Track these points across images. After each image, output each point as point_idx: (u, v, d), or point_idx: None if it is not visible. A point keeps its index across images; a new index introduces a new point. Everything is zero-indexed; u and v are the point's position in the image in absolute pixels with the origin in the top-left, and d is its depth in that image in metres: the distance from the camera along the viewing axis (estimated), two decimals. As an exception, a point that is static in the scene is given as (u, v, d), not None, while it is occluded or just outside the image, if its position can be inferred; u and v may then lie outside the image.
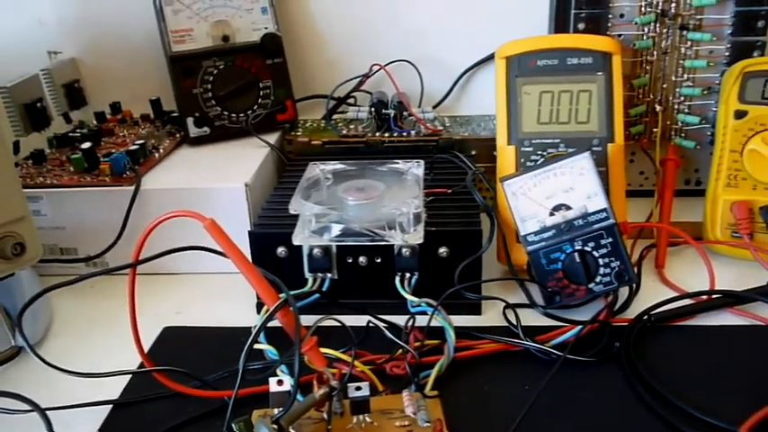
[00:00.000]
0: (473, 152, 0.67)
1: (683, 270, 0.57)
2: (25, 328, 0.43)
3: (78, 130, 0.71)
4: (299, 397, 0.38)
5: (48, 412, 0.43)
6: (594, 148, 0.55)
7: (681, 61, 0.62)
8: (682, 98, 0.63)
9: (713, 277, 0.53)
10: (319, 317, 0.40)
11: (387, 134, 0.68)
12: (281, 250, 0.52)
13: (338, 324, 0.44)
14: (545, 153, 0.56)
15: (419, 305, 0.49)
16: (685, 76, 0.63)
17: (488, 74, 0.75)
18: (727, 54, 0.61)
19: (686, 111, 0.64)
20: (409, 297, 0.49)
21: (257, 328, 0.39)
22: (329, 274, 0.52)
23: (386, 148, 0.68)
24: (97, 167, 0.61)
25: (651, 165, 0.66)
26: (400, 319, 0.48)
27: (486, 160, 0.67)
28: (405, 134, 0.68)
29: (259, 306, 0.54)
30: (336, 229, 0.50)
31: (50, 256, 0.61)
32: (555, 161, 0.51)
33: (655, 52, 0.63)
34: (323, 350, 0.41)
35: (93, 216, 0.60)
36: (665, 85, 0.64)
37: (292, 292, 0.39)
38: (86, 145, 0.62)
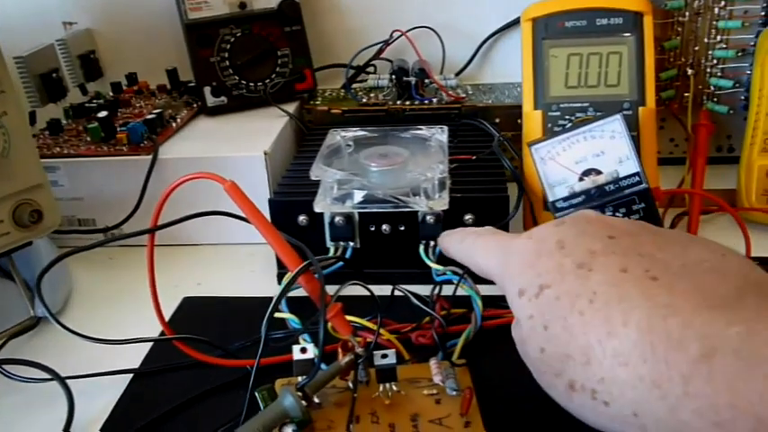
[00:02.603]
0: (497, 120, 0.66)
1: (716, 238, 0.53)
2: (44, 298, 0.42)
3: (95, 101, 0.70)
4: (322, 365, 0.37)
5: (67, 381, 0.42)
6: (625, 112, 0.53)
7: (714, 22, 0.60)
8: (714, 61, 0.61)
9: (749, 244, 0.51)
10: (341, 285, 0.39)
11: (408, 102, 0.67)
12: (302, 218, 0.50)
13: (360, 293, 0.43)
14: (573, 117, 0.54)
15: (444, 273, 0.47)
16: (718, 37, 0.60)
17: (511, 40, 0.73)
18: (763, 14, 0.58)
19: (719, 74, 0.61)
20: (434, 265, 0.48)
21: (279, 292, 0.38)
22: (351, 243, 0.50)
23: (407, 117, 0.66)
24: (114, 137, 0.60)
25: (681, 131, 0.64)
26: (424, 289, 0.47)
27: (509, 128, 0.65)
28: (426, 102, 0.66)
29: (280, 276, 0.53)
30: (359, 196, 0.49)
31: (68, 226, 0.60)
32: (584, 125, 0.49)
33: (687, 13, 0.60)
34: (347, 318, 0.40)
35: (110, 186, 0.59)
36: (696, 48, 0.61)
37: (316, 258, 0.38)
38: (103, 114, 0.61)
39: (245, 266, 0.57)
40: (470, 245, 0.38)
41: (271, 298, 0.49)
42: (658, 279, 0.26)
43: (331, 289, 0.38)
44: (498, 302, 0.47)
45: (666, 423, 0.24)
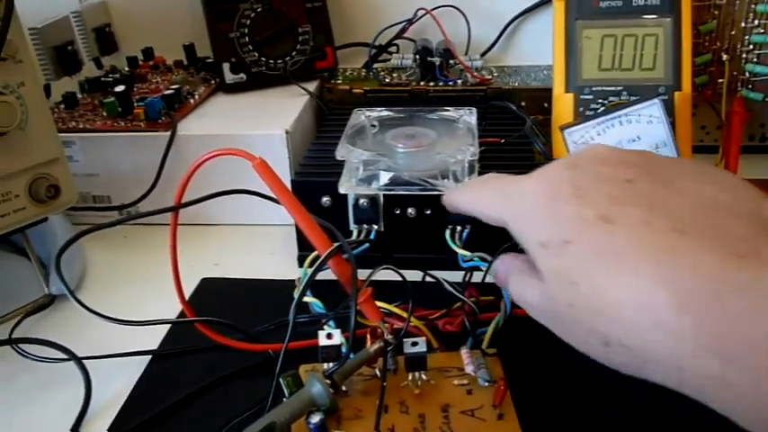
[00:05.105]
0: (522, 103, 0.64)
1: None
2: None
3: (110, 75, 0.68)
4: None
5: (84, 361, 0.41)
6: (661, 97, 0.51)
7: (752, 5, 0.58)
8: (751, 46, 0.59)
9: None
10: (374, 269, 0.38)
11: (432, 83, 0.65)
12: (325, 200, 0.49)
13: (385, 278, 0.41)
14: (606, 101, 0.53)
15: (471, 260, 0.46)
16: (756, 21, 0.58)
17: (538, 22, 0.71)
18: (804, -2, 0.57)
19: (755, 60, 0.59)
20: (460, 251, 0.46)
21: (308, 275, 0.36)
22: (375, 226, 0.49)
23: (431, 98, 0.64)
24: (131, 112, 0.59)
25: (713, 118, 0.62)
26: (448, 275, 0.45)
27: (535, 111, 0.63)
28: (451, 83, 0.65)
29: (301, 259, 0.51)
30: (385, 178, 0.47)
31: (83, 203, 0.58)
32: (619, 108, 0.47)
33: (724, -5, 0.58)
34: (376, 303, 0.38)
35: (127, 162, 0.57)
36: (733, 32, 0.59)
37: (346, 240, 0.36)
38: (120, 88, 0.59)
39: (263, 248, 0.55)
40: (473, 191, 0.37)
41: (291, 281, 0.48)
42: (679, 231, 0.27)
43: (358, 273, 0.37)
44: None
45: (695, 365, 0.25)
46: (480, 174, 0.48)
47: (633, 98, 0.51)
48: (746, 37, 0.59)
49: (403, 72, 0.67)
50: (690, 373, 0.26)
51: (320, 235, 0.36)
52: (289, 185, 0.48)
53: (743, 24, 0.59)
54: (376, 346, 0.36)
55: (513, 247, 0.46)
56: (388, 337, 0.36)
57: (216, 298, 0.49)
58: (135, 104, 0.59)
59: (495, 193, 0.35)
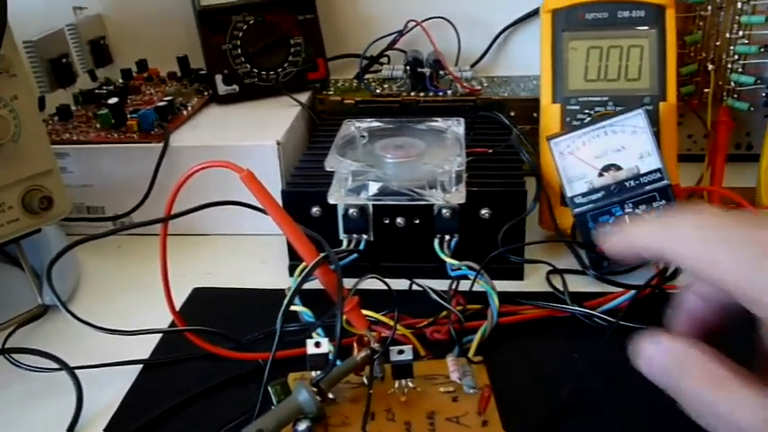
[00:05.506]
0: (511, 113, 0.64)
1: (735, 237, 0.54)
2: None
3: (104, 87, 0.69)
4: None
5: (76, 371, 0.42)
6: (645, 107, 0.52)
7: (737, 17, 0.59)
8: (736, 56, 0.60)
9: (770, 244, 0.50)
10: (360, 278, 0.38)
11: (422, 94, 0.66)
12: (315, 210, 0.50)
13: (375, 287, 0.42)
14: (592, 112, 0.53)
15: (459, 268, 0.46)
16: (741, 32, 0.59)
17: (528, 32, 0.72)
18: (787, 9, 0.57)
19: (740, 70, 0.60)
20: (449, 260, 0.47)
21: (295, 284, 0.37)
22: (365, 236, 0.50)
23: (421, 109, 0.65)
24: (124, 124, 0.60)
25: (700, 128, 0.63)
26: (436, 284, 0.46)
27: (525, 122, 0.64)
28: (441, 94, 0.65)
29: (291, 268, 0.52)
30: (374, 188, 0.48)
31: (77, 214, 0.59)
32: (605, 119, 0.48)
33: (709, 7, 0.59)
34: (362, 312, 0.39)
35: (120, 174, 0.58)
36: (718, 43, 0.60)
37: (333, 250, 0.37)
38: (113, 100, 0.60)
39: (255, 257, 0.56)
40: (710, 245, 0.26)
41: (282, 290, 0.48)
42: None
43: (345, 283, 0.38)
44: (515, 299, 0.46)
45: None
46: (468, 183, 0.49)
47: (619, 108, 0.52)
48: (731, 47, 0.60)
49: (394, 83, 0.68)
50: None
51: (307, 245, 0.37)
52: (279, 196, 0.49)
53: (728, 35, 0.60)
54: (363, 354, 0.36)
55: (497, 257, 0.47)
56: (375, 345, 0.36)
57: (207, 307, 0.49)
58: (128, 116, 0.60)
59: (735, 250, 0.25)
